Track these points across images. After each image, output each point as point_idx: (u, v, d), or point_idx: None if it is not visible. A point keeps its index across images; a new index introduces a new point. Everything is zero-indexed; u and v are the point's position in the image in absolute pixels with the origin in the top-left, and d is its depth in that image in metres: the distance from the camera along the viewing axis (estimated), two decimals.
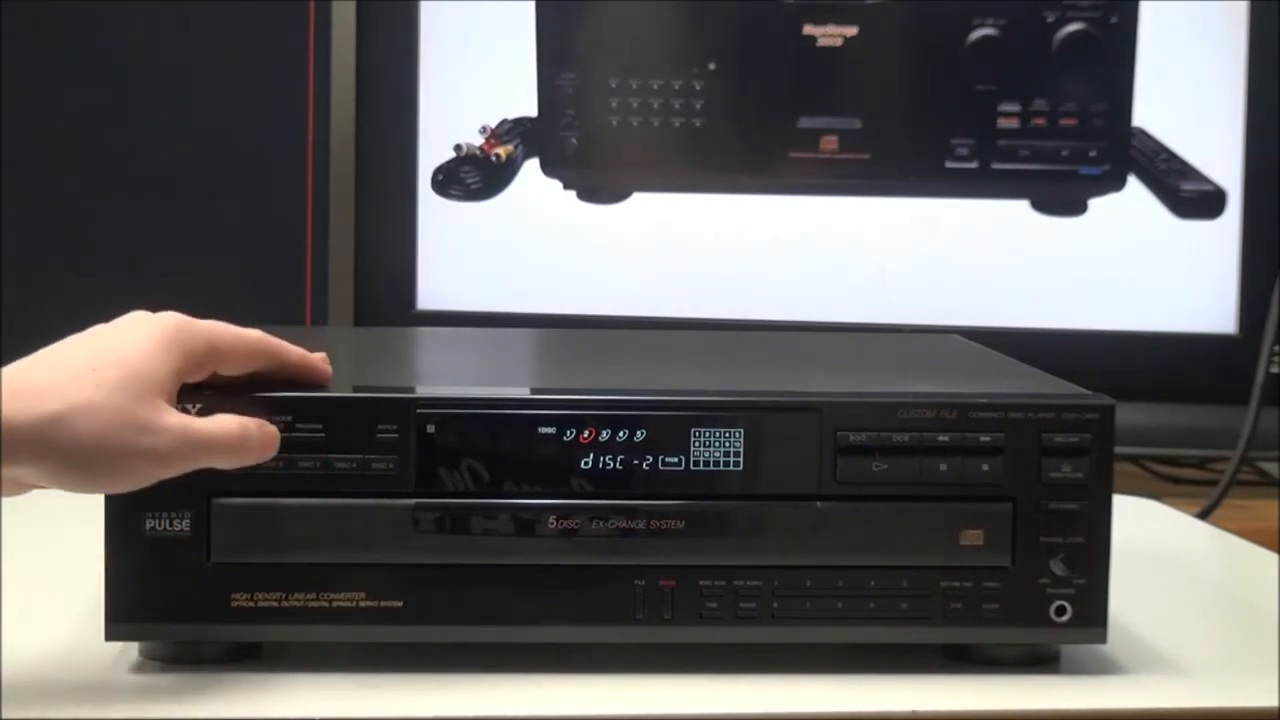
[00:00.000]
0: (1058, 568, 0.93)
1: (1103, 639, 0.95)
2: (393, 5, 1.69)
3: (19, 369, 0.84)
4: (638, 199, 1.69)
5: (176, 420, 0.86)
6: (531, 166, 1.69)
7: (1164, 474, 1.69)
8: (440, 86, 1.69)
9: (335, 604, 0.92)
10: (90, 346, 0.86)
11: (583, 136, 1.67)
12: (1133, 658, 0.97)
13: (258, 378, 0.92)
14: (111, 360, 0.85)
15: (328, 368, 0.94)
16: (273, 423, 0.90)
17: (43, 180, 1.72)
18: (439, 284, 1.70)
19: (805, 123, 1.66)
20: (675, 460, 0.93)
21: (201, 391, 0.90)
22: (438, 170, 1.69)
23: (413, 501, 0.92)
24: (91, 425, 0.83)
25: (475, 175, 1.69)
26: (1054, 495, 0.94)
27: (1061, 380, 1.02)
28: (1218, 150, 1.64)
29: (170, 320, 0.88)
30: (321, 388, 0.94)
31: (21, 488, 0.87)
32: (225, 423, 0.88)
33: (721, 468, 0.93)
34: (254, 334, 0.91)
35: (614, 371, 1.14)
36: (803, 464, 0.93)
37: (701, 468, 0.93)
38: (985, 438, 0.93)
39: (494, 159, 1.68)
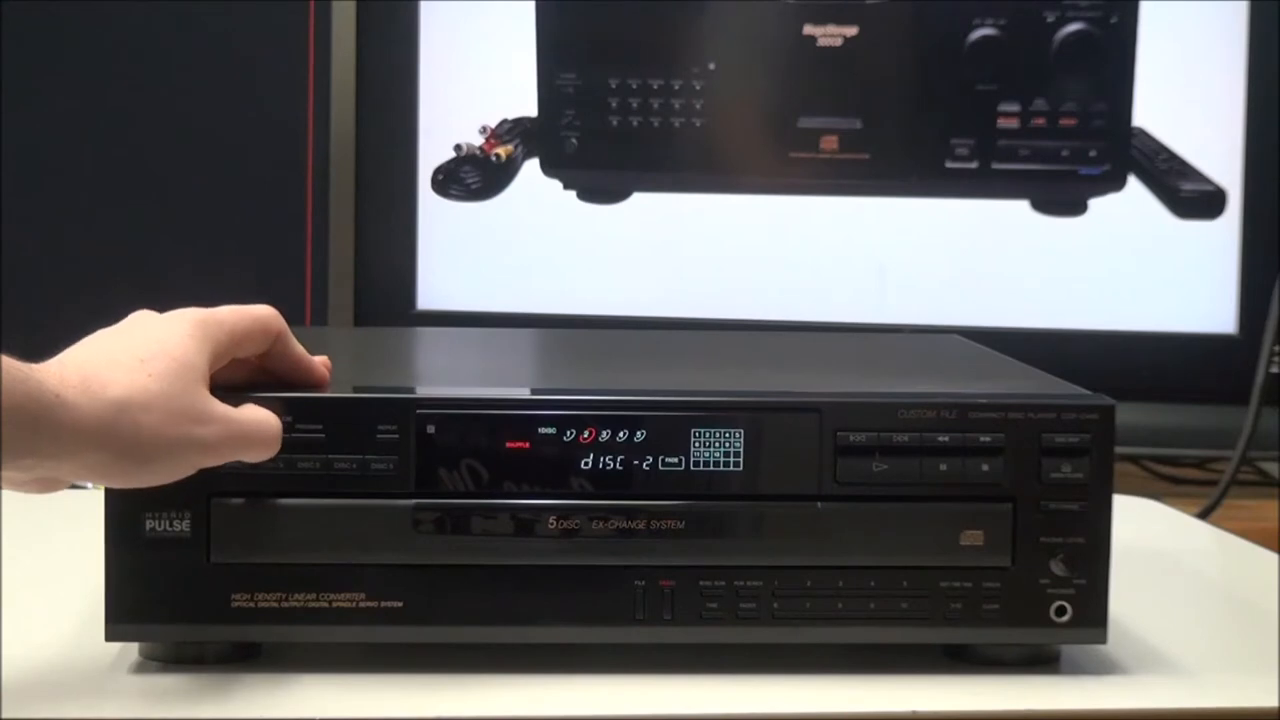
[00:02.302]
0: (1058, 568, 0.93)
1: (1103, 639, 0.95)
2: (393, 5, 1.69)
3: (70, 361, 0.84)
4: (638, 199, 1.69)
5: (222, 410, 0.87)
6: (531, 166, 1.69)
7: (1164, 474, 1.69)
8: (440, 86, 1.69)
9: (335, 604, 0.92)
10: (127, 339, 0.87)
11: (583, 136, 1.67)
12: (1133, 658, 0.97)
13: (267, 360, 0.93)
14: (156, 350, 0.86)
15: (327, 375, 0.95)
16: None
17: (42, 181, 1.72)
18: (439, 284, 1.70)
19: (805, 123, 1.66)
20: (675, 460, 0.93)
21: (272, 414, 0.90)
22: (438, 170, 1.69)
23: (413, 502, 0.92)
24: (151, 414, 0.84)
25: (475, 175, 1.69)
26: (1054, 495, 0.94)
27: (1061, 380, 1.02)
28: (1218, 150, 1.64)
29: (195, 314, 0.89)
30: (320, 389, 0.94)
31: (56, 485, 0.87)
32: (261, 413, 0.89)
33: (721, 468, 0.93)
34: (265, 312, 0.92)
35: (614, 371, 1.14)
36: (803, 464, 0.93)
37: (701, 468, 0.93)
38: (985, 438, 0.93)
39: (494, 159, 1.68)
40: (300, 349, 0.94)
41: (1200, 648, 1.02)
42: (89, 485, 1.35)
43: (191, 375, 0.86)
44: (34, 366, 0.81)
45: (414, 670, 0.92)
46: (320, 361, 0.95)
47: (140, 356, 0.85)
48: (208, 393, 0.87)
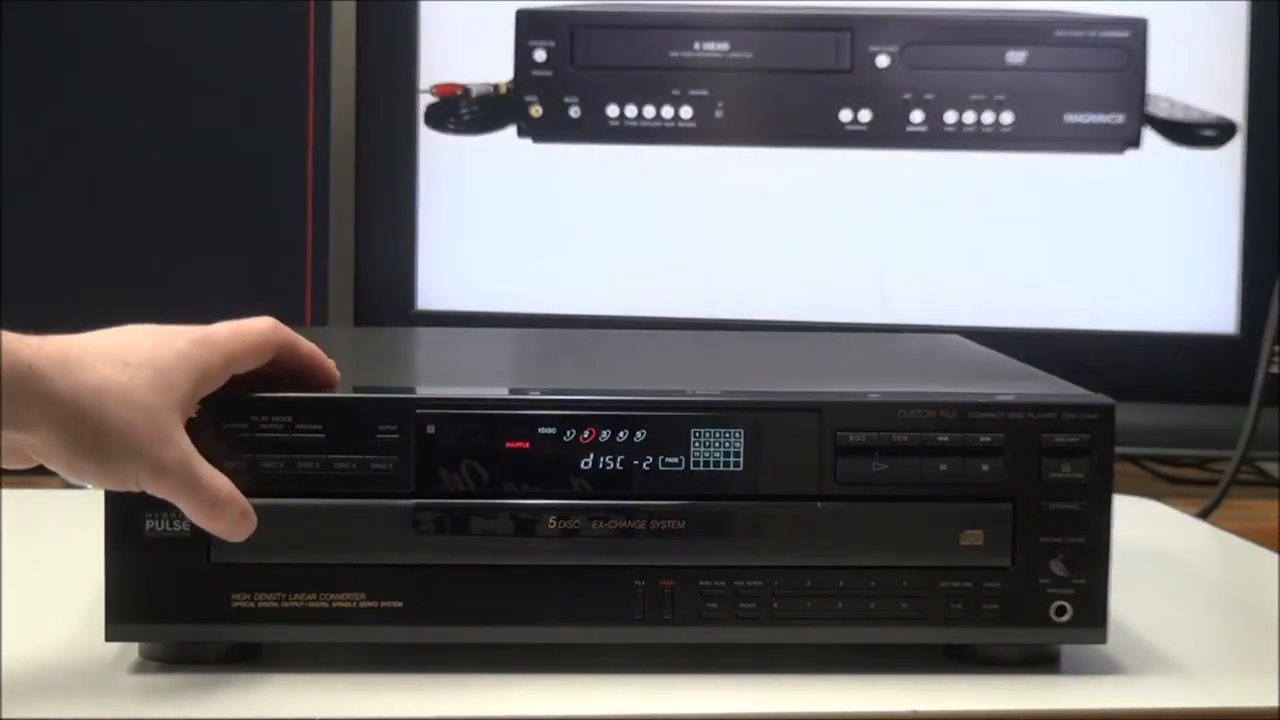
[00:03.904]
0: (1058, 568, 0.93)
1: (1103, 639, 0.95)
2: (393, 5, 1.69)
3: (53, 340, 0.84)
4: (638, 199, 1.69)
5: (186, 446, 0.86)
6: (530, 168, 1.69)
7: (1164, 474, 1.69)
8: None
9: (335, 604, 0.92)
10: (115, 339, 0.86)
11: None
12: (1133, 658, 0.97)
13: (270, 369, 0.92)
14: (145, 360, 0.85)
15: (337, 373, 0.94)
16: (272, 423, 0.91)
17: (42, 181, 1.72)
18: (439, 284, 1.70)
19: None
20: (675, 460, 0.93)
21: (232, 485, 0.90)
22: (431, 106, 1.68)
23: (413, 502, 0.92)
24: (121, 412, 0.83)
25: (472, 107, 1.68)
26: (1054, 495, 0.94)
27: (1061, 380, 1.02)
28: (1217, 151, 1.64)
29: (190, 336, 0.88)
30: (326, 388, 0.94)
31: (19, 457, 0.87)
32: (221, 478, 0.88)
33: (721, 468, 0.93)
34: (263, 328, 0.91)
35: (614, 371, 1.14)
36: (803, 464, 0.93)
37: (701, 468, 0.93)
38: (985, 438, 0.93)
39: (493, 89, 1.67)
40: (308, 349, 0.93)
41: (1200, 648, 1.02)
42: (88, 485, 1.35)
43: (169, 397, 0.85)
44: (10, 335, 0.81)
45: (414, 670, 0.92)
46: (331, 364, 0.95)
47: (126, 360, 0.85)
48: (179, 420, 0.86)
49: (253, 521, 0.89)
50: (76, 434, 0.83)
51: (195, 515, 0.88)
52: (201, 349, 0.88)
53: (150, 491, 0.86)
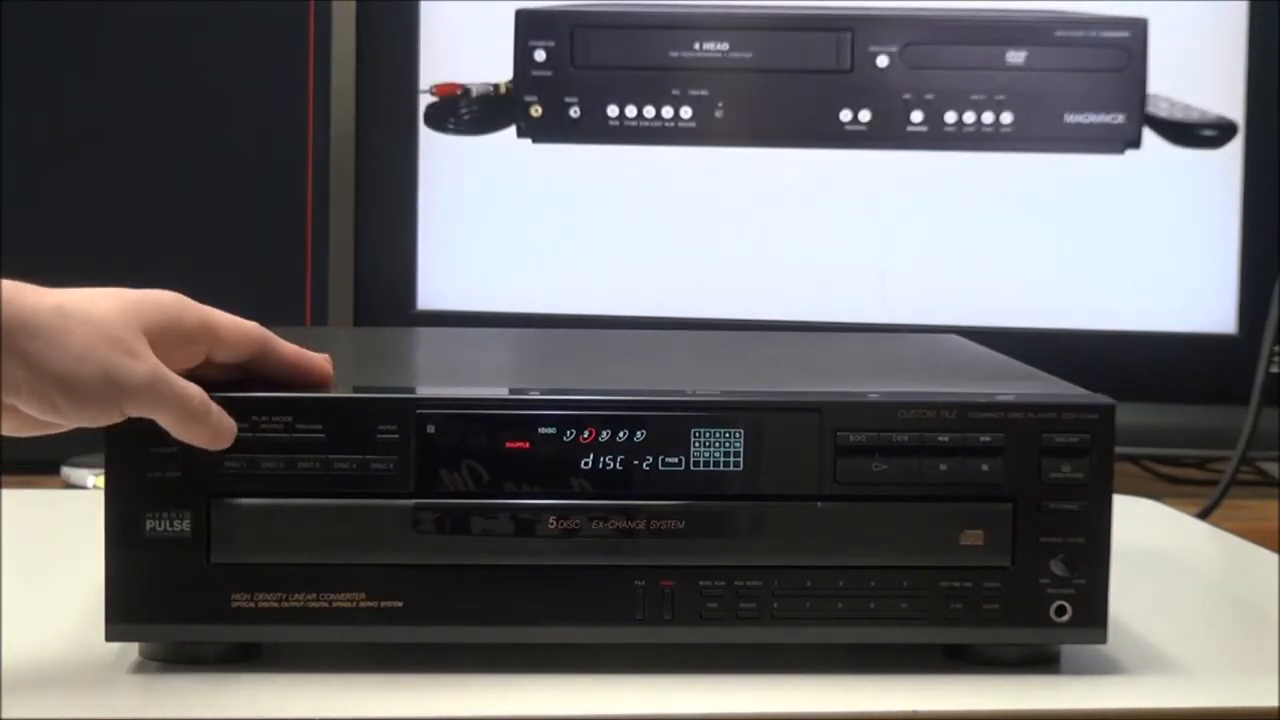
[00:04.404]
0: (1058, 568, 0.93)
1: (1103, 639, 0.95)
2: (393, 5, 1.69)
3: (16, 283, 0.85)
4: (638, 199, 1.69)
5: (154, 359, 0.87)
6: (530, 170, 1.69)
7: (1164, 474, 1.69)
8: None
9: (335, 604, 0.92)
10: (84, 288, 0.88)
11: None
12: (1133, 658, 0.97)
13: (252, 369, 0.92)
14: (110, 292, 0.87)
15: (329, 368, 0.94)
16: (272, 423, 0.91)
17: (42, 180, 1.72)
18: (439, 284, 1.70)
19: None
20: (675, 460, 0.93)
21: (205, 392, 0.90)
22: (430, 105, 1.69)
23: (413, 502, 0.92)
24: (83, 329, 0.84)
25: (472, 107, 1.68)
26: (1054, 495, 0.94)
27: (1061, 380, 1.02)
28: (1217, 151, 1.64)
29: (166, 291, 0.90)
30: (321, 388, 0.94)
31: (13, 417, 0.87)
32: (193, 386, 0.88)
33: (721, 468, 0.93)
34: (252, 325, 0.92)
35: (614, 371, 1.14)
36: (803, 464, 0.93)
37: (701, 468, 0.93)
38: (985, 438, 0.93)
39: (493, 89, 1.67)
40: (290, 352, 0.93)
41: (1200, 648, 1.02)
42: (89, 485, 1.35)
43: (133, 318, 0.86)
44: None
45: (414, 670, 0.92)
46: (321, 358, 0.95)
47: (90, 293, 0.86)
48: (145, 339, 0.86)
49: (233, 429, 0.89)
50: (41, 355, 0.83)
51: (175, 427, 0.88)
52: (173, 297, 0.89)
53: (129, 412, 0.86)
